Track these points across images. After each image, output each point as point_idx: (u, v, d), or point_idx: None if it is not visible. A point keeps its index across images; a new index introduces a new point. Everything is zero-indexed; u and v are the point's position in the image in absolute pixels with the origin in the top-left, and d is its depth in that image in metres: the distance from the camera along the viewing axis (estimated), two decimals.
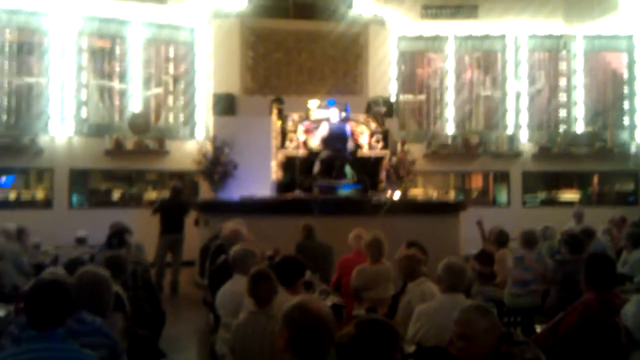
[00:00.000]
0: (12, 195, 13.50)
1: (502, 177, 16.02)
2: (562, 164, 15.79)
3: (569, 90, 16.25)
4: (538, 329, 4.91)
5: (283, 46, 15.08)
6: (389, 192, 11.60)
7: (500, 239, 8.03)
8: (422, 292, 5.06)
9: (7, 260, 6.88)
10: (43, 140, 13.36)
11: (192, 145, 14.44)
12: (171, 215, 11.22)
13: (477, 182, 16.45)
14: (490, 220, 9.85)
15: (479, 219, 9.11)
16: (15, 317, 4.64)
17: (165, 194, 12.71)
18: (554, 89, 16.40)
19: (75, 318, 3.41)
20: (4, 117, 13.49)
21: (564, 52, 16.21)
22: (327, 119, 11.42)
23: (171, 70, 15.16)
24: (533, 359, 3.19)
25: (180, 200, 11.59)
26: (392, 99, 15.16)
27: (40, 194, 13.77)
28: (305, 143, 11.58)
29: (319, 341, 2.47)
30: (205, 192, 13.85)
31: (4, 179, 13.79)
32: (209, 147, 13.71)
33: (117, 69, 14.55)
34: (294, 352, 2.49)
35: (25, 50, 13.96)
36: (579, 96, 16.15)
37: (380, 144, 11.78)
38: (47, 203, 13.61)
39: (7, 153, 12.91)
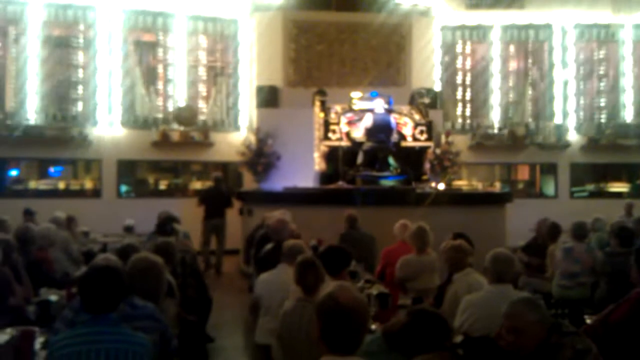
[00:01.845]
0: (61, 185, 13.86)
1: (550, 169, 15.74)
2: (611, 156, 15.42)
3: (617, 79, 15.83)
4: (587, 321, 4.81)
5: (325, 38, 15.06)
6: (433, 183, 11.51)
7: (553, 232, 7.87)
8: (469, 283, 5.01)
9: (58, 248, 7.03)
10: (91, 132, 13.68)
11: (236, 136, 14.58)
12: (214, 203, 12.14)
13: (523, 174, 16.19)
14: (537, 213, 9.72)
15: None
16: (67, 302, 4.79)
17: (211, 184, 13.24)
18: (602, 79, 16.00)
19: (127, 303, 3.47)
20: (53, 110, 13.81)
21: (612, 41, 15.78)
22: (371, 110, 11.39)
23: (215, 62, 15.30)
24: (584, 349, 3.13)
25: (221, 188, 12.53)
26: (436, 90, 14.99)
27: (88, 184, 14.12)
28: (348, 134, 11.56)
29: (349, 331, 2.45)
30: (248, 182, 13.98)
31: (52, 169, 14.16)
32: (252, 138, 13.83)
33: (163, 62, 14.76)
34: (326, 342, 2.48)
35: (73, 43, 14.28)
36: (628, 86, 15.73)
37: (424, 136, 11.68)
38: (96, 193, 13.95)
39: (56, 144, 13.25)
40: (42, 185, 13.70)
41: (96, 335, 3.03)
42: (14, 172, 14.02)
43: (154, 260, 3.91)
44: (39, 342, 3.72)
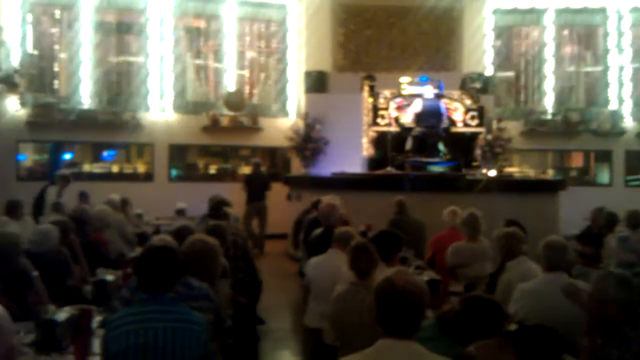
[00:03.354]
0: (115, 169, 14.18)
1: (604, 156, 15.33)
2: None
3: None
4: None
5: (374, 22, 14.96)
6: (484, 170, 11.33)
7: (610, 221, 7.65)
8: (523, 271, 4.92)
9: (113, 229, 7.20)
10: (143, 116, 13.93)
11: (284, 122, 14.63)
12: (255, 186, 12.50)
13: (577, 161, 15.83)
14: (591, 201, 9.49)
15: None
16: (123, 282, 4.90)
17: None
18: None
19: (183, 283, 3.53)
20: (106, 95, 14.11)
21: None
22: (421, 95, 11.25)
23: (264, 48, 15.36)
24: None
25: (261, 173, 12.91)
26: (488, 75, 14.72)
27: (141, 168, 14.42)
28: (397, 120, 11.46)
29: (405, 314, 2.44)
30: (296, 167, 14.05)
31: (106, 153, 14.50)
32: (300, 124, 13.86)
33: (213, 47, 14.90)
34: (382, 325, 2.48)
35: (125, 29, 14.53)
36: None
37: (475, 121, 11.48)
38: (148, 176, 14.24)
39: (109, 128, 13.55)
40: (96, 168, 14.05)
41: (153, 313, 3.07)
42: (68, 156, 14.40)
43: (210, 242, 3.95)
44: (96, 320, 3.81)
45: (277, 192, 12.79)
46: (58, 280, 4.84)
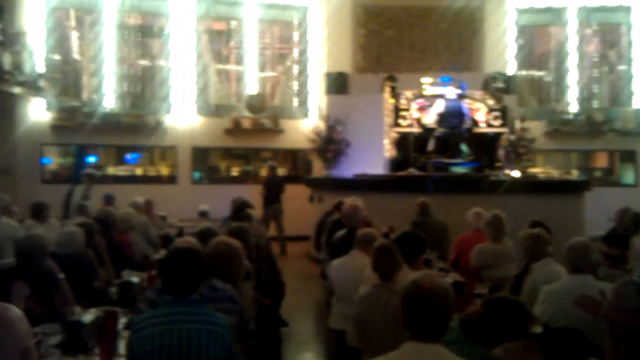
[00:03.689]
0: (139, 171, 14.30)
1: (629, 156, 15.12)
2: None
3: None
4: None
5: (395, 23, 14.92)
6: (507, 170, 11.23)
7: (636, 222, 7.53)
8: (548, 273, 4.86)
9: (137, 231, 7.25)
10: (166, 119, 14.04)
11: (305, 123, 14.66)
12: (271, 189, 12.60)
13: (601, 161, 15.63)
14: (616, 202, 9.35)
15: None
16: (147, 284, 4.93)
17: (281, 171, 13.79)
18: None
19: (207, 285, 3.54)
20: (130, 98, 14.24)
21: None
22: (443, 96, 11.20)
23: (285, 50, 15.40)
24: None
25: (277, 176, 13.00)
26: (510, 74, 14.60)
27: (164, 170, 14.53)
28: (418, 120, 11.41)
29: (432, 317, 2.43)
30: (318, 169, 14.05)
31: (129, 155, 14.63)
32: (322, 125, 13.86)
33: (234, 50, 14.98)
34: (409, 328, 2.47)
35: (147, 32, 14.67)
36: None
37: (498, 121, 11.40)
38: (171, 179, 14.35)
39: (133, 132, 13.68)
40: (120, 171, 14.19)
41: (178, 315, 3.09)
42: (92, 159, 14.55)
43: (233, 244, 3.96)
44: (121, 322, 3.84)
45: (298, 194, 12.80)
46: (84, 282, 4.88)
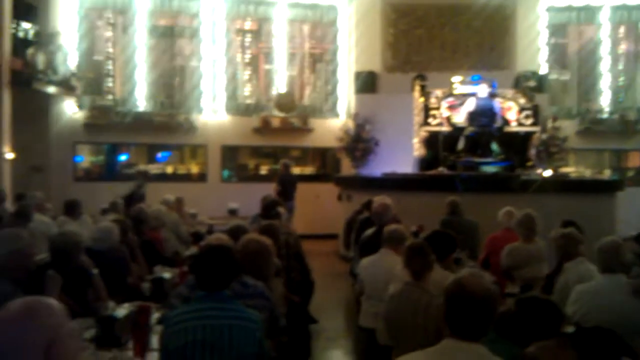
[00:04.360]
0: (169, 169, 14.47)
1: None
2: None
3: None
4: None
5: (425, 21, 14.83)
6: (539, 170, 11.10)
7: None
8: (580, 273, 4.80)
9: (168, 228, 7.34)
10: (197, 118, 14.18)
11: (334, 122, 14.67)
12: (286, 186, 12.32)
13: (634, 161, 15.36)
14: None
15: None
16: (179, 280, 4.99)
17: (310, 169, 13.94)
18: None
19: (239, 281, 3.57)
20: (161, 98, 14.41)
21: None
22: (473, 94, 11.11)
23: (314, 49, 15.43)
24: None
25: (291, 173, 12.82)
26: (542, 73, 14.42)
27: (194, 169, 14.68)
28: (448, 119, 11.34)
29: (474, 318, 2.41)
30: (346, 168, 14.05)
31: (160, 154, 14.80)
32: (351, 124, 13.86)
33: (264, 49, 15.05)
34: (450, 326, 2.46)
35: (178, 33, 14.82)
36: None
37: (530, 120, 11.27)
38: (202, 177, 14.48)
39: (164, 130, 13.84)
40: (151, 169, 14.36)
41: (210, 310, 3.12)
42: (124, 157, 14.76)
43: (263, 241, 4.00)
44: (154, 317, 3.89)
45: (327, 193, 12.81)
46: (118, 278, 4.95)
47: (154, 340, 3.60)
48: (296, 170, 14.54)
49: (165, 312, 3.63)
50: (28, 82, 11.59)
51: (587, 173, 14.17)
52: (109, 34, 14.64)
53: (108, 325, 3.61)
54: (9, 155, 11.31)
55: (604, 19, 14.89)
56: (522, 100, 11.42)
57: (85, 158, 14.71)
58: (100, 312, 3.79)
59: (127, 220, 5.98)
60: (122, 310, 3.76)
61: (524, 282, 5.46)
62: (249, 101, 14.75)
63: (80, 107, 13.75)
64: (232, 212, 10.05)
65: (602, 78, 14.89)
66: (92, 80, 14.15)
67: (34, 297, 1.97)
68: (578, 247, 5.07)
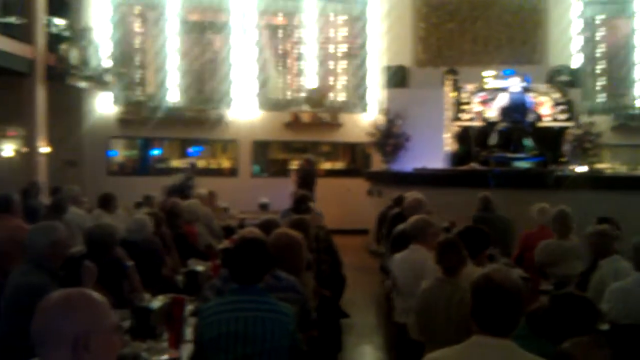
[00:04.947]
0: (201, 164, 14.59)
1: None
2: None
3: None
4: None
5: (456, 15, 14.71)
6: (573, 166, 10.95)
7: None
8: (616, 270, 4.74)
9: (201, 222, 7.40)
10: (228, 113, 14.27)
11: (364, 117, 14.64)
12: (304, 179, 12.13)
13: None
14: None
15: None
16: (212, 273, 5.04)
17: (339, 164, 14.04)
18: None
19: (272, 275, 3.60)
20: (193, 93, 14.54)
21: None
22: (506, 89, 11.00)
23: (344, 43, 15.40)
24: None
25: (311, 168, 12.71)
26: (576, 67, 14.19)
27: (225, 163, 14.79)
28: (480, 114, 11.25)
29: (502, 312, 2.39)
30: (376, 163, 14.02)
31: (191, 149, 14.93)
32: (381, 119, 13.82)
33: (294, 44, 15.08)
34: (476, 321, 2.44)
35: (209, 28, 14.92)
36: None
37: (564, 115, 11.12)
38: (233, 172, 14.59)
39: (195, 125, 13.97)
40: (183, 163, 14.47)
41: (244, 303, 3.16)
42: (156, 152, 14.93)
43: (295, 235, 4.03)
44: (188, 309, 3.94)
45: (357, 188, 12.80)
46: (152, 269, 5.02)
47: (188, 332, 3.66)
48: (326, 166, 14.61)
49: (199, 305, 3.68)
50: (62, 77, 11.79)
51: (623, 169, 13.92)
52: (140, 29, 14.81)
53: (143, 317, 3.65)
54: (45, 150, 11.54)
55: (637, 10, 14.61)
56: (556, 95, 11.28)
57: (118, 152, 14.93)
58: (136, 303, 3.84)
59: (161, 213, 6.05)
60: (157, 302, 3.80)
61: (558, 280, 5.40)
62: (279, 96, 14.80)
63: (114, 102, 13.95)
64: (263, 207, 10.09)
65: (636, 72, 14.58)
66: (124, 75, 14.33)
67: (76, 289, 2.00)
68: (613, 245, 5.01)
